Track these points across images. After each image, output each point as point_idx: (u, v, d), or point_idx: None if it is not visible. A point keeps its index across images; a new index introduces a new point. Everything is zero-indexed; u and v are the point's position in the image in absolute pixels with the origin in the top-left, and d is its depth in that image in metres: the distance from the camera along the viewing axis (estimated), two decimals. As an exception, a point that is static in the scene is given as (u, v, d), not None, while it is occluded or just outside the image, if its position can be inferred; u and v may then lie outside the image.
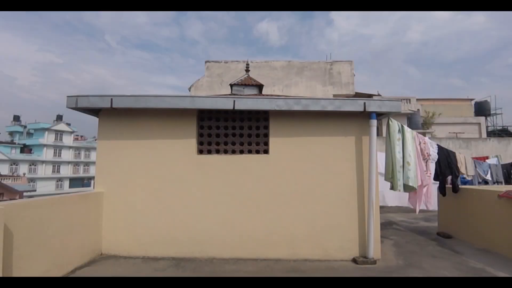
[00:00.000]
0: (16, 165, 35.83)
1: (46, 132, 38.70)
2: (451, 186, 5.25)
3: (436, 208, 5.69)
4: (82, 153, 43.07)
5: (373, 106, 3.76)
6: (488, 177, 7.39)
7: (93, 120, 4.32)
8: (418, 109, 19.51)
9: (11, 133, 42.31)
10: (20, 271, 2.50)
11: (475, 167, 7.44)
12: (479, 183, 7.25)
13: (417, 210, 4.63)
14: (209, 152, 4.07)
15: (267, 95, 6.43)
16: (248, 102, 3.83)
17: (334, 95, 15.31)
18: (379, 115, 4.00)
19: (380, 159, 4.34)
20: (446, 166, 5.13)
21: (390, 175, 4.12)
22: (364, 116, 3.92)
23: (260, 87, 8.34)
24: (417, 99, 20.38)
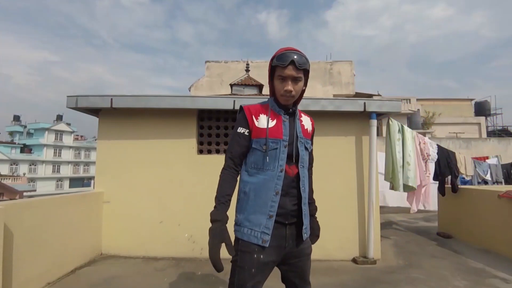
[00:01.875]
0: (16, 165, 35.85)
1: (46, 132, 38.71)
2: (450, 186, 5.25)
3: (435, 208, 5.69)
4: (82, 153, 43.09)
5: (373, 106, 3.76)
6: (488, 177, 7.38)
7: (93, 120, 4.32)
8: (418, 109, 19.53)
9: (11, 133, 42.33)
10: (20, 271, 2.50)
11: (475, 167, 7.43)
12: (478, 183, 7.24)
13: (414, 209, 4.63)
14: (209, 152, 4.07)
15: (267, 95, 6.42)
16: (248, 102, 3.82)
17: (334, 95, 15.31)
18: (379, 115, 4.00)
19: (380, 159, 4.34)
20: (445, 166, 5.13)
21: (390, 175, 4.12)
22: (364, 116, 3.92)
23: (260, 87, 8.35)
24: (417, 99, 20.40)
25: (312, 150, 1.58)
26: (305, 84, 1.45)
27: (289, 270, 1.44)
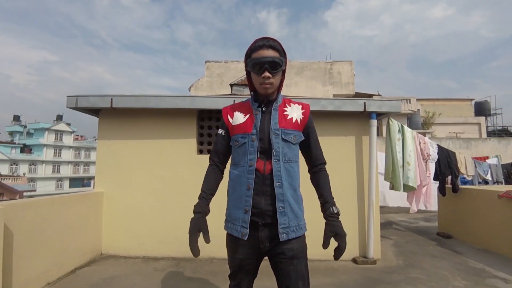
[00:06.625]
0: (16, 165, 35.85)
1: (46, 132, 38.71)
2: (451, 186, 5.25)
3: (436, 208, 5.69)
4: (82, 153, 43.09)
5: (373, 106, 3.76)
6: (488, 177, 7.39)
7: (93, 120, 4.32)
8: (418, 109, 19.54)
9: (11, 133, 42.33)
10: (20, 271, 2.50)
11: (475, 167, 7.44)
12: (479, 183, 7.25)
13: (415, 209, 4.63)
14: (209, 152, 4.06)
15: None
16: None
17: (334, 95, 15.31)
18: (379, 115, 4.00)
19: (380, 159, 4.34)
20: (446, 166, 5.13)
21: (390, 175, 4.12)
22: (364, 116, 3.91)
23: (260, 87, 8.35)
24: (417, 99, 20.41)
25: (315, 143, 1.57)
26: (283, 74, 1.44)
27: (273, 269, 1.44)
